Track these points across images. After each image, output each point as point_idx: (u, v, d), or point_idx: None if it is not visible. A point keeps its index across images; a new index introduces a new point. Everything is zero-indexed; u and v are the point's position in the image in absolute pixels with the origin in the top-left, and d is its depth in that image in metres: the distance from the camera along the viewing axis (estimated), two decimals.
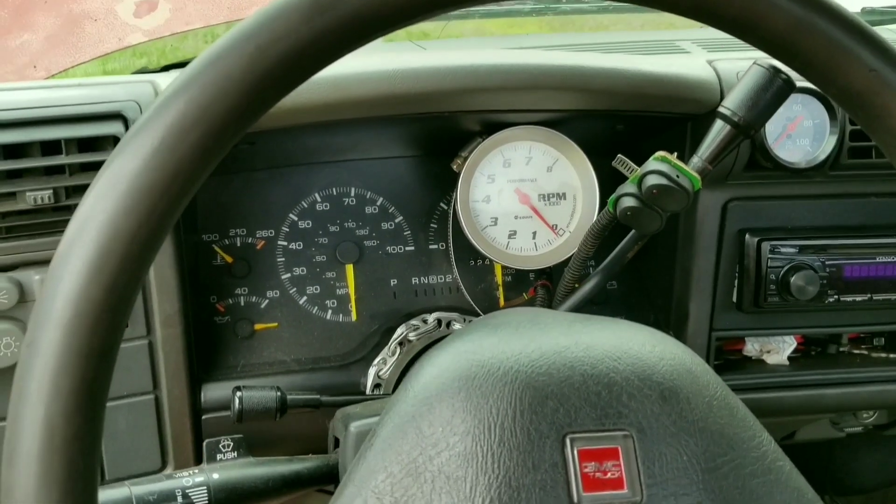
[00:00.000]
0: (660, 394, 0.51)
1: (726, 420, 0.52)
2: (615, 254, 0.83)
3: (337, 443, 0.65)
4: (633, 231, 0.81)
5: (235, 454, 0.62)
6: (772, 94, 0.71)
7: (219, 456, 0.62)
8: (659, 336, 0.56)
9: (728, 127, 0.73)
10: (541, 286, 1.00)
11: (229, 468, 0.61)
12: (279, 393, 0.72)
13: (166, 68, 1.32)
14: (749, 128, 0.72)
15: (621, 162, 0.77)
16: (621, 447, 0.49)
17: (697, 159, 0.75)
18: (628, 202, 0.74)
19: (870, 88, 0.45)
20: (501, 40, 1.58)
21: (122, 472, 0.83)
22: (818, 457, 1.45)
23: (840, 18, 0.43)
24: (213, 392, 0.87)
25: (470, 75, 0.77)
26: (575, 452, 0.48)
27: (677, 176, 0.72)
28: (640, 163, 0.77)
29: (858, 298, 0.93)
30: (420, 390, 0.52)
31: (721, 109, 0.73)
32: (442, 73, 0.77)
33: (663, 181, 0.71)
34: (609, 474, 0.49)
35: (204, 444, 0.62)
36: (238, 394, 0.71)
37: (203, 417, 0.87)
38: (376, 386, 0.89)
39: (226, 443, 0.62)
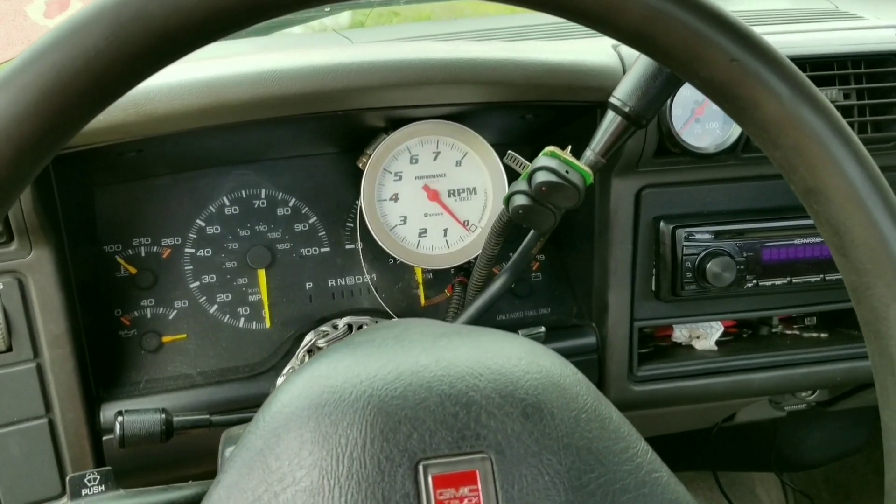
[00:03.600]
0: (522, 411, 0.48)
1: (596, 433, 0.50)
2: (519, 252, 0.80)
3: None
4: None
5: (103, 488, 0.59)
6: (661, 82, 0.68)
7: (84, 491, 0.59)
8: (528, 348, 0.53)
9: (619, 118, 0.70)
10: (458, 283, 0.97)
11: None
12: (164, 415, 0.69)
13: None
14: (640, 118, 0.69)
15: (512, 158, 0.74)
16: (479, 471, 0.47)
17: (590, 152, 0.72)
18: (519, 200, 0.71)
19: (732, 79, 0.43)
20: (435, 25, 1.54)
21: (19, 501, 0.80)
22: (763, 435, 1.45)
23: (695, 6, 0.41)
24: (112, 411, 0.83)
25: (350, 73, 0.74)
26: (429, 480, 0.46)
27: (566, 171, 0.69)
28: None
29: (778, 282, 0.91)
30: (269, 420, 0.49)
31: (611, 100, 0.70)
32: (320, 73, 0.73)
33: (552, 178, 0.68)
34: (466, 501, 0.47)
35: (67, 479, 0.59)
36: (119, 419, 0.68)
37: (104, 439, 0.83)
38: None
39: (92, 476, 0.59)
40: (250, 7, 0.36)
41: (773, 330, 1.07)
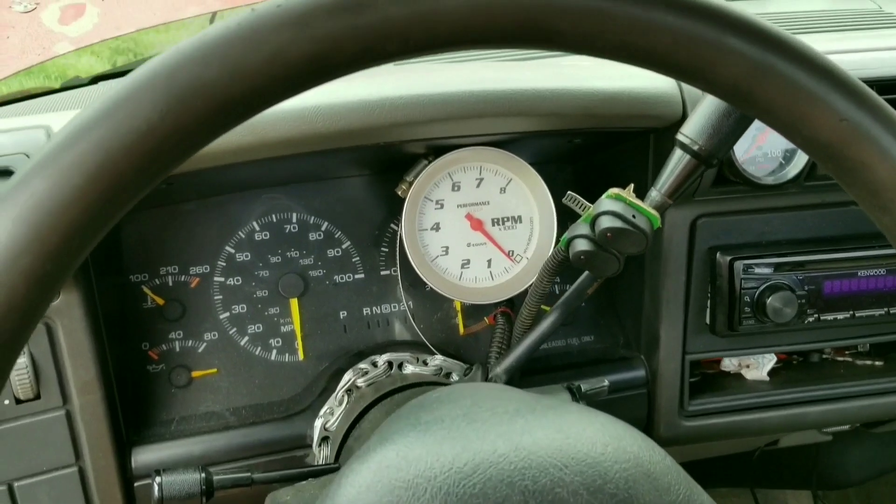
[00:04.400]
0: None
1: None
2: (572, 291, 0.76)
3: None
4: None
5: None
6: (735, 119, 0.63)
7: None
8: (613, 429, 0.49)
9: (688, 156, 0.65)
10: (501, 314, 0.92)
11: None
12: (204, 475, 0.65)
13: (96, 80, 1.23)
14: (711, 157, 0.65)
15: (572, 199, 0.69)
16: None
17: (656, 193, 0.67)
18: (581, 245, 0.67)
19: (841, 140, 0.38)
20: None
21: None
22: (804, 454, 1.41)
23: (804, 60, 0.36)
24: (144, 456, 0.80)
25: (397, 108, 0.69)
26: None
27: (633, 216, 0.64)
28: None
29: (840, 316, 0.87)
30: None
31: (679, 137, 0.65)
32: (366, 108, 0.68)
33: (618, 224, 0.64)
34: None
35: None
36: (157, 479, 0.65)
37: (136, 485, 0.80)
38: (323, 439, 0.82)
39: None
40: (317, 68, 0.32)
41: (825, 356, 1.02)
